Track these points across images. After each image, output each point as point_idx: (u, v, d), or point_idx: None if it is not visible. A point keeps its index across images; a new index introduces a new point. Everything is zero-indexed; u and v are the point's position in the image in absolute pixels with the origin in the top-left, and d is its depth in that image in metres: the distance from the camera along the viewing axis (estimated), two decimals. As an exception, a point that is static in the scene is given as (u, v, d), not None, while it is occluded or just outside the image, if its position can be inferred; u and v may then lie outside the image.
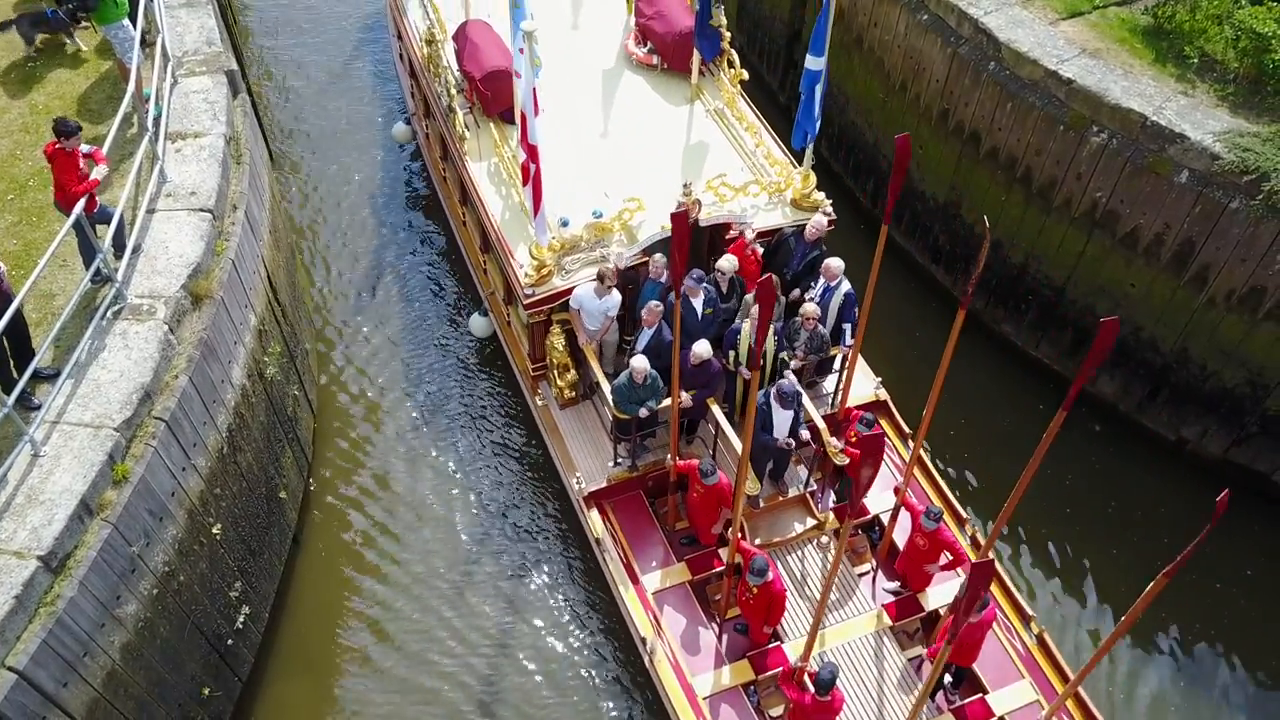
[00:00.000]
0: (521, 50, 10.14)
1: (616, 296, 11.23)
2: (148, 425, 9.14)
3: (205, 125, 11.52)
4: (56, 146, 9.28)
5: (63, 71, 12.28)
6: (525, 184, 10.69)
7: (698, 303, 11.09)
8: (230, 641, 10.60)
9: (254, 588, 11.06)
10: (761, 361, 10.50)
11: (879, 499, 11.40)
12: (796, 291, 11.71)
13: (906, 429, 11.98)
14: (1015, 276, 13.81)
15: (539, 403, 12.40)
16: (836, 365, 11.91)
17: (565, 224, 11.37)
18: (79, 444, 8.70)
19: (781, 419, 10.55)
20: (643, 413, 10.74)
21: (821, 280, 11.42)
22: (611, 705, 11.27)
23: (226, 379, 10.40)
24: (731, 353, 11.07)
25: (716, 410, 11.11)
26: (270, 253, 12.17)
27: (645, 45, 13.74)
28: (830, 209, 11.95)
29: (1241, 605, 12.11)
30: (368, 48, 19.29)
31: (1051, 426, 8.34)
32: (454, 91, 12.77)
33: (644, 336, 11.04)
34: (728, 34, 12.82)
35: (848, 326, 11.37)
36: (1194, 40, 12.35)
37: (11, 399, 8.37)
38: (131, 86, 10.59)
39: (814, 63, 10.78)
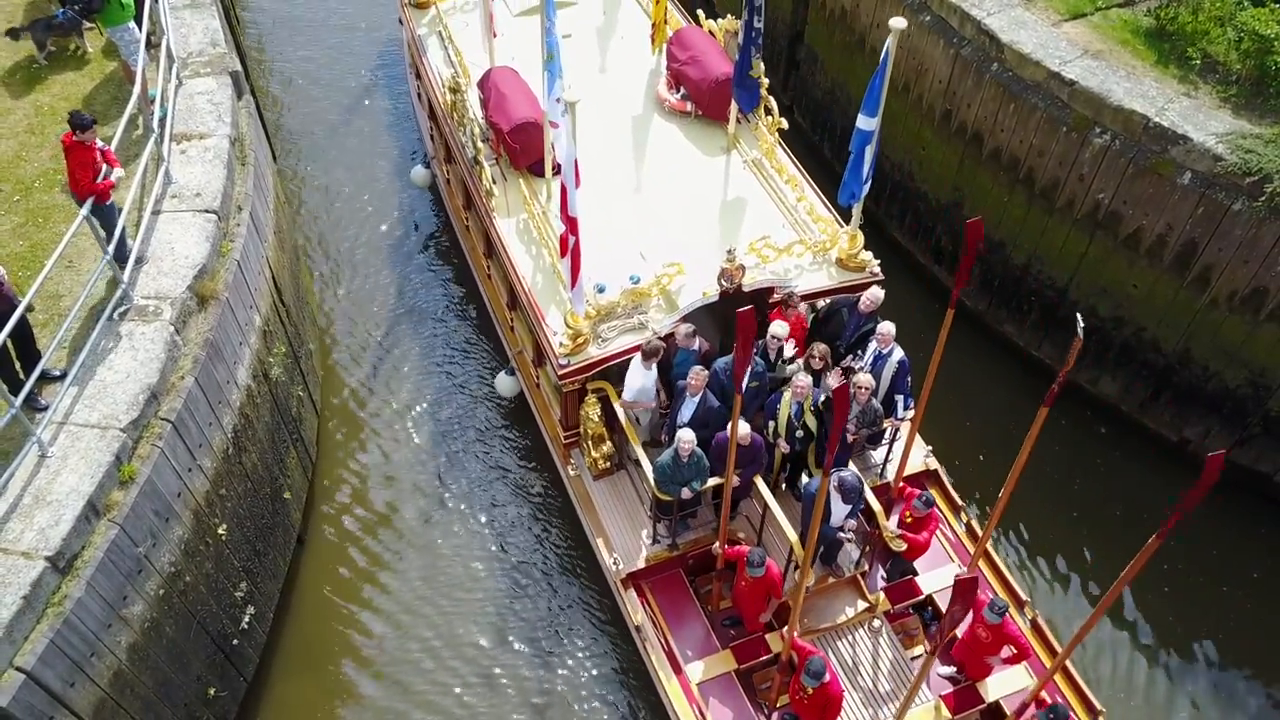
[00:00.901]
0: (554, 123, 9.96)
1: (653, 371, 10.67)
2: (154, 426, 9.18)
3: (210, 126, 11.56)
4: (74, 139, 9.27)
5: (68, 73, 12.32)
6: (564, 255, 10.07)
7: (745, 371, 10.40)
8: (235, 642, 10.63)
9: (259, 588, 11.10)
10: (801, 433, 10.32)
11: (932, 575, 10.81)
12: (848, 359, 11.00)
13: (959, 500, 11.38)
14: (1017, 277, 13.84)
15: (571, 473, 11.73)
16: (887, 436, 11.31)
17: (601, 290, 10.69)
18: (86, 445, 8.73)
19: (840, 511, 9.96)
20: (686, 494, 10.08)
21: (873, 345, 10.72)
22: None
23: (232, 380, 10.44)
24: (771, 423, 10.44)
25: (763, 487, 10.36)
26: (275, 253, 12.21)
27: (678, 91, 13.05)
28: (878, 268, 11.37)
29: (1248, 608, 12.13)
30: (382, 79, 18.66)
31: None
32: (480, 144, 12.16)
33: (688, 406, 10.31)
34: (765, 81, 12.03)
35: (900, 397, 10.72)
36: (1196, 42, 12.36)
37: (19, 400, 8.40)
38: (137, 88, 10.61)
39: (866, 123, 10.03)
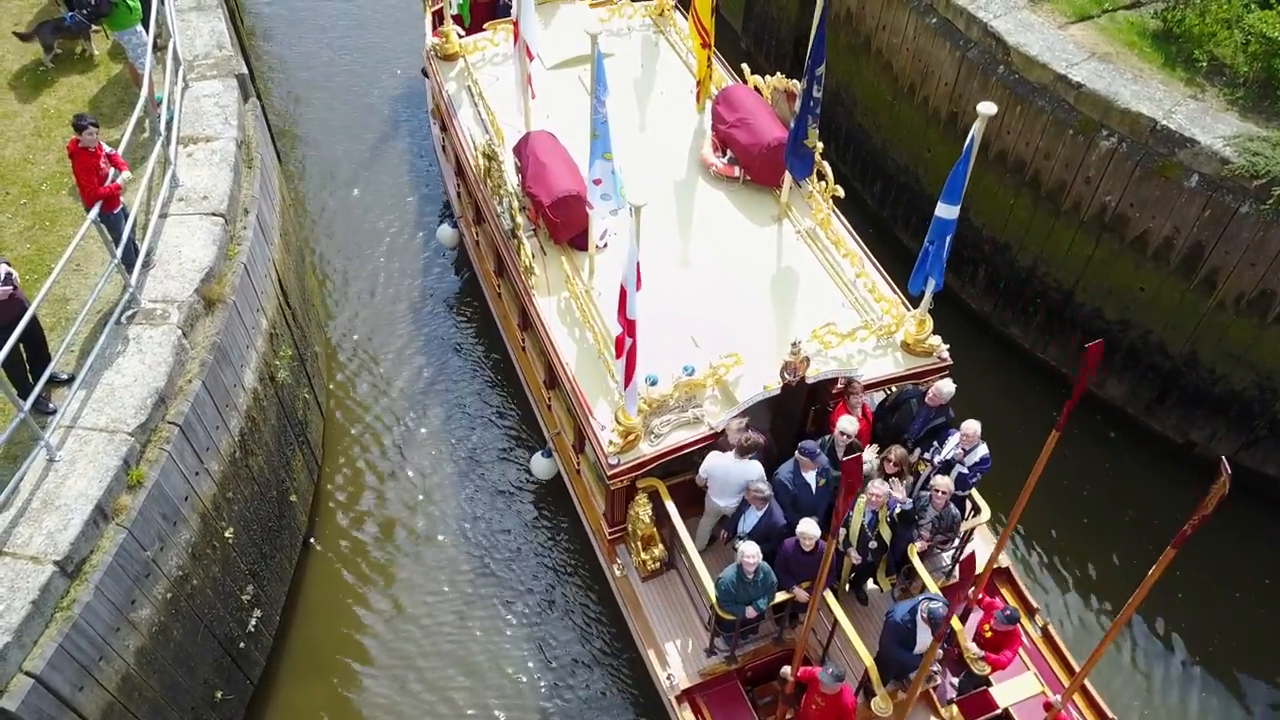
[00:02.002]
0: (591, 205, 9.71)
1: (758, 466, 9.83)
2: (161, 430, 9.19)
3: (217, 129, 11.56)
4: (78, 145, 9.27)
5: (74, 76, 12.31)
6: (619, 357, 9.29)
7: (811, 476, 9.68)
8: (242, 645, 10.63)
9: (265, 591, 11.10)
10: (874, 544, 9.66)
11: (1008, 685, 9.91)
12: (916, 453, 10.23)
13: (1034, 603, 10.54)
14: (1023, 279, 13.83)
15: (617, 572, 10.90)
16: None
17: (653, 382, 9.80)
18: (94, 449, 8.73)
19: (925, 639, 9.01)
20: (750, 613, 9.32)
21: (953, 442, 9.91)
22: None
23: (239, 383, 10.44)
24: (842, 530, 9.50)
25: (833, 601, 9.58)
26: (281, 256, 12.21)
27: (725, 155, 12.24)
28: (946, 354, 10.58)
29: (1260, 613, 12.10)
30: (404, 124, 17.99)
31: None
32: (519, 218, 11.35)
33: (750, 518, 9.62)
34: (820, 145, 11.25)
35: (976, 493, 10.12)
36: (1203, 44, 12.35)
37: (28, 404, 8.41)
38: (144, 91, 10.60)
39: (947, 211, 9.33)
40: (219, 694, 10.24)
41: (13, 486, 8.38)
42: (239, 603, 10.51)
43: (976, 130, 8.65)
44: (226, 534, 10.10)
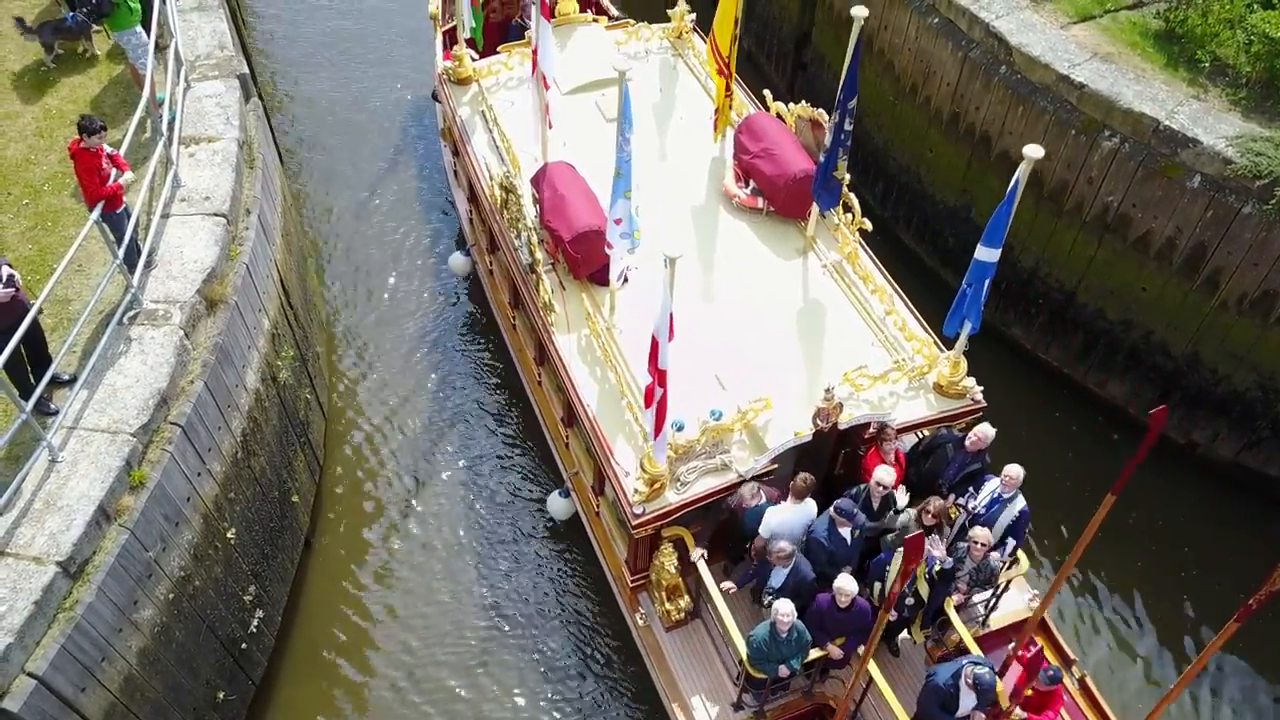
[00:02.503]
0: (611, 244, 9.56)
1: (813, 505, 9.68)
2: (164, 430, 9.18)
3: (218, 129, 11.55)
4: (80, 146, 9.26)
5: (76, 76, 12.30)
6: (648, 407, 8.89)
7: (846, 532, 9.35)
8: (244, 645, 10.63)
9: (267, 591, 11.09)
10: (911, 600, 9.35)
11: None
12: (950, 498, 9.87)
13: (1071, 654, 10.12)
14: (1025, 280, 13.82)
15: (639, 621, 10.55)
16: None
17: (680, 428, 9.49)
18: (96, 449, 8.72)
19: (968, 704, 8.83)
20: (784, 672, 9.08)
21: (990, 487, 9.62)
22: None
23: (240, 383, 10.43)
24: (877, 584, 9.33)
25: (872, 665, 9.00)
26: (283, 256, 12.20)
27: (747, 185, 11.92)
28: (980, 395, 10.27)
29: (1269, 614, 12.05)
30: (408, 127, 17.89)
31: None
32: (538, 254, 11.03)
33: (778, 575, 9.30)
34: (847, 176, 10.91)
35: (1011, 542, 9.65)
36: (1206, 44, 12.34)
37: (30, 404, 8.40)
38: (146, 91, 10.60)
39: (987, 254, 9.05)
40: (221, 694, 10.23)
41: (15, 487, 8.37)
42: (241, 603, 10.50)
43: (1022, 173, 8.39)
44: (228, 534, 10.09)
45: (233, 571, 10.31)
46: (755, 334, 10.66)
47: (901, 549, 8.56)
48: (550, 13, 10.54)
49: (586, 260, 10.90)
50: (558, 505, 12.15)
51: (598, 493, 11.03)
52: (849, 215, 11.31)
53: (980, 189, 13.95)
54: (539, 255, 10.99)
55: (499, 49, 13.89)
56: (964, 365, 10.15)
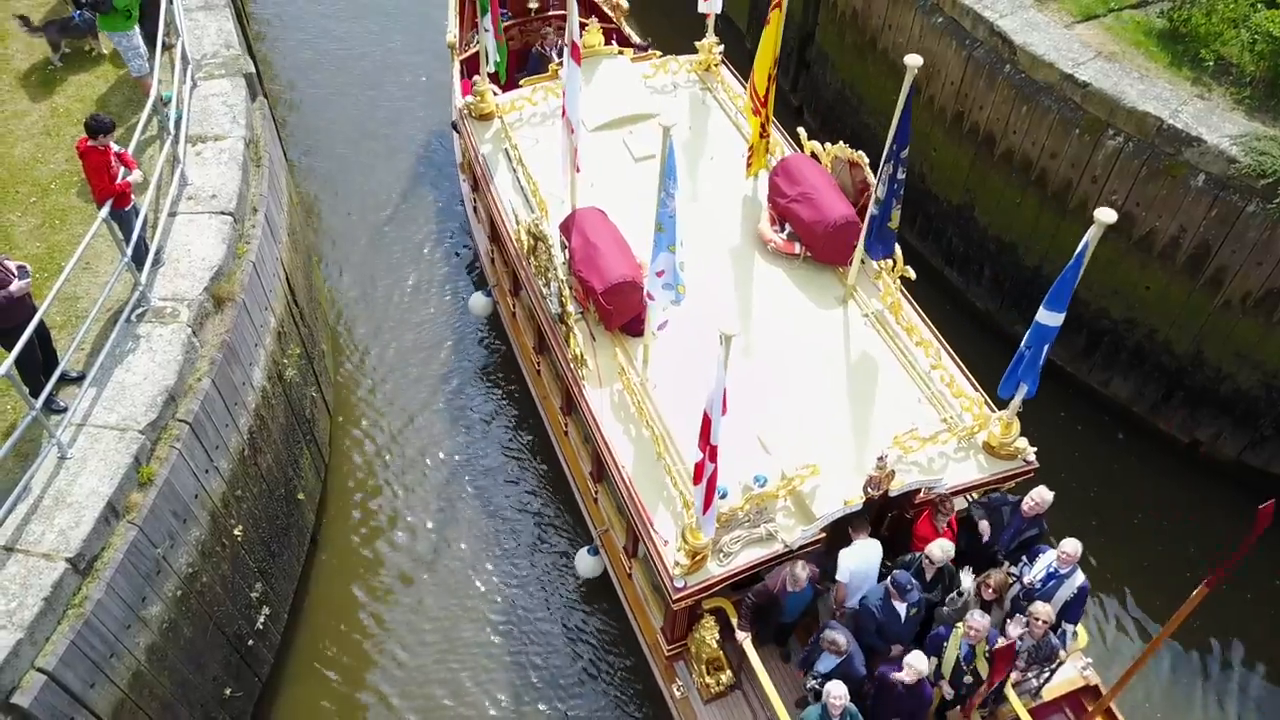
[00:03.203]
0: (651, 295, 9.19)
1: (877, 544, 9.45)
2: (172, 428, 9.22)
3: (225, 128, 11.58)
4: (89, 144, 9.28)
5: (82, 75, 12.34)
6: (696, 483, 8.39)
7: (902, 606, 8.96)
8: (251, 642, 10.66)
9: (273, 589, 11.13)
10: (969, 679, 8.83)
11: None
12: (1006, 566, 9.48)
13: None
14: (1029, 278, 13.84)
15: (676, 693, 9.97)
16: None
17: (723, 495, 8.90)
18: (105, 446, 8.76)
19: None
20: None
21: (1046, 560, 9.18)
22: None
23: (247, 381, 10.47)
24: (932, 658, 8.84)
25: None
26: (288, 254, 12.23)
27: (783, 230, 11.44)
28: (1032, 455, 9.78)
29: (1273, 614, 12.12)
30: (415, 130, 17.70)
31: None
32: (570, 306, 10.52)
33: (827, 662, 8.91)
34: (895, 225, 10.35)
35: (1070, 627, 9.22)
36: (1210, 43, 12.36)
37: (39, 401, 8.44)
38: (153, 94, 10.64)
39: (1050, 318, 8.66)
40: (228, 691, 10.27)
41: (25, 484, 8.41)
42: (248, 600, 10.53)
43: (1092, 236, 8.04)
44: (235, 532, 10.13)
45: (239, 569, 10.34)
46: (797, 390, 10.20)
47: (960, 625, 8.55)
48: (580, 56, 10.11)
49: (620, 311, 10.47)
50: (586, 563, 11.63)
51: (630, 554, 10.54)
52: (890, 262, 10.82)
53: (983, 188, 13.98)
54: (570, 307, 10.53)
55: (521, 82, 13.48)
56: (1016, 426, 9.70)
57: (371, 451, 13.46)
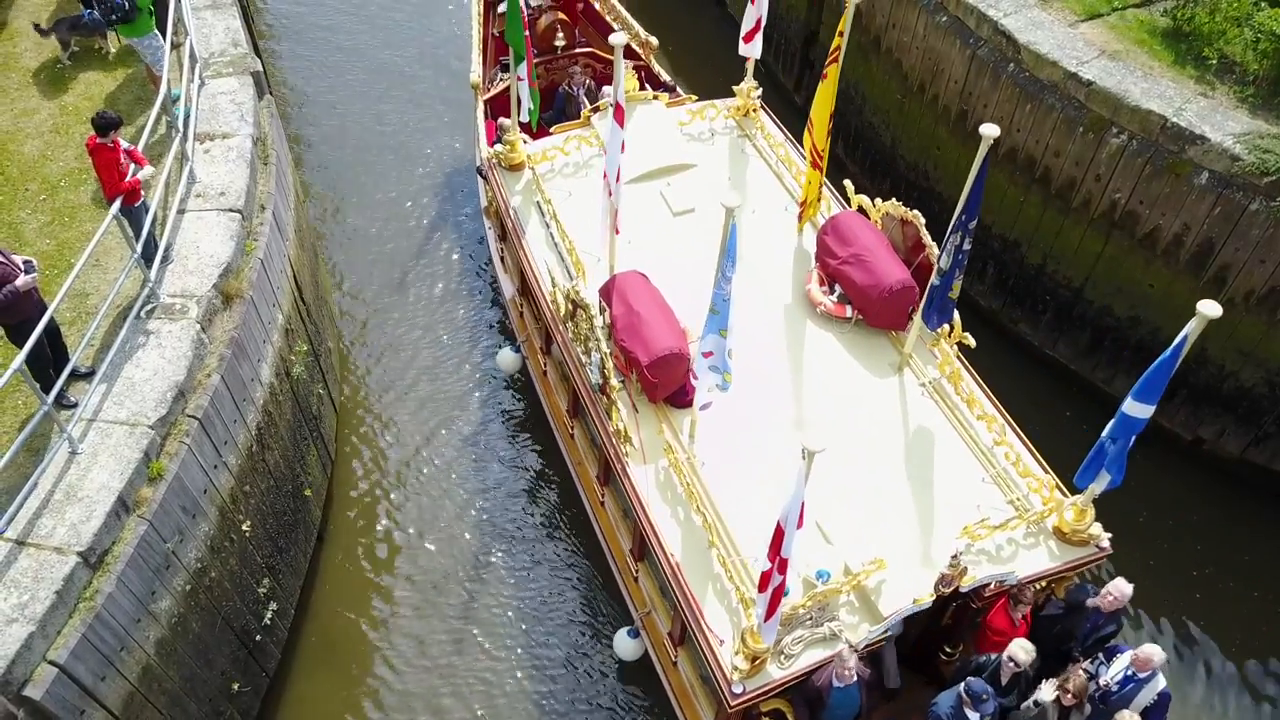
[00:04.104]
0: (696, 375, 8.85)
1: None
2: (181, 423, 9.28)
3: (233, 126, 11.65)
4: (98, 141, 9.34)
5: (92, 72, 12.42)
6: (762, 591, 7.95)
7: (975, 715, 8.43)
8: (258, 637, 10.73)
9: (281, 584, 11.19)
10: None
11: None
12: (1083, 663, 8.93)
13: None
14: (1033, 276, 13.89)
15: None
16: None
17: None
18: (115, 441, 8.83)
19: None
20: None
21: (1125, 659, 8.64)
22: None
23: (256, 377, 10.53)
24: None
25: None
26: (296, 252, 12.30)
27: (833, 291, 10.90)
28: (1106, 542, 9.32)
29: (1278, 610, 12.16)
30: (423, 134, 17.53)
31: None
32: (613, 378, 9.90)
33: None
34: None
35: None
36: (1213, 42, 12.40)
37: (50, 397, 8.50)
38: (163, 90, 10.72)
39: (1139, 410, 8.23)
40: (235, 686, 10.33)
41: (36, 478, 8.48)
42: (255, 595, 10.60)
43: (1193, 329, 7.60)
44: (244, 527, 10.20)
45: (247, 564, 10.41)
46: (855, 469, 9.64)
47: None
48: (623, 117, 9.58)
49: (665, 384, 9.92)
50: (626, 646, 10.84)
51: (677, 642, 9.87)
52: (947, 328, 10.31)
53: (989, 186, 13.83)
54: (614, 380, 9.93)
55: (552, 130, 12.95)
56: (1091, 512, 9.26)
57: (378, 449, 13.51)
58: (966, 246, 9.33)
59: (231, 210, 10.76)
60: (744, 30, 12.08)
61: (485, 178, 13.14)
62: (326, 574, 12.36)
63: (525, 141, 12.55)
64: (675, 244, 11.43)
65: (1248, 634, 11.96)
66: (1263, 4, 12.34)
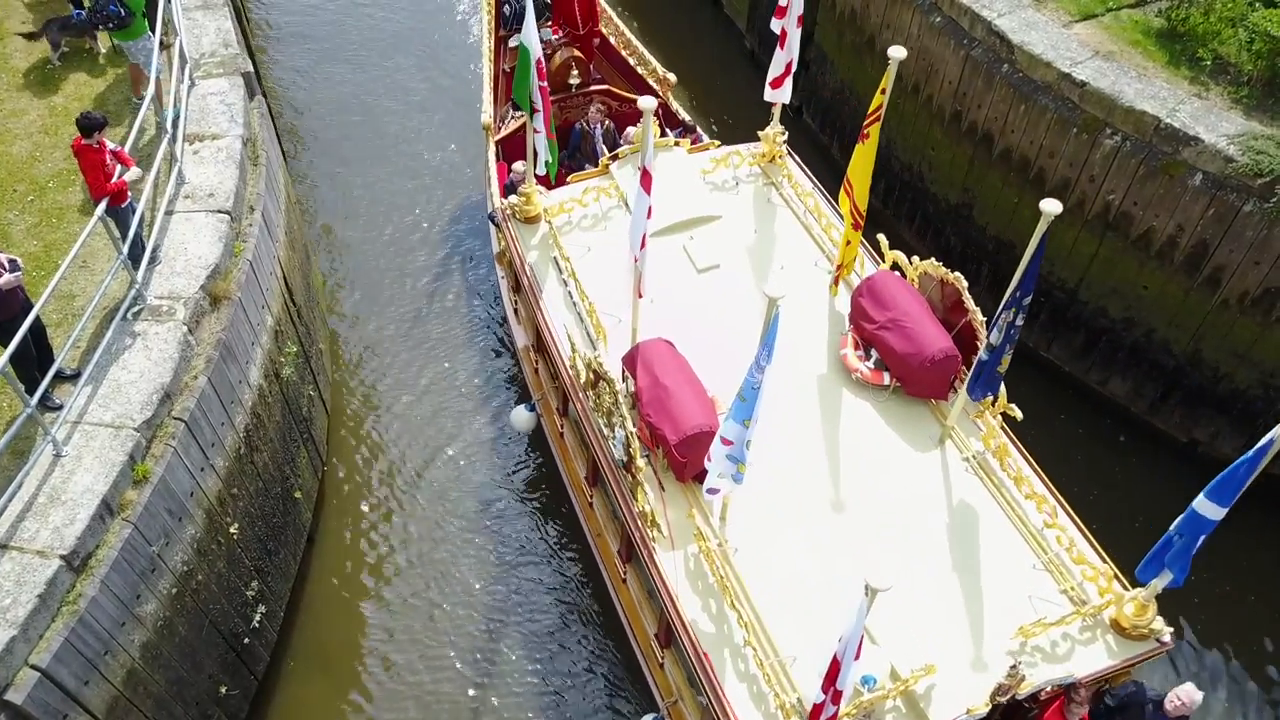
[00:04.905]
0: (720, 470, 8.18)
1: None
2: (167, 425, 9.23)
3: (223, 127, 11.60)
4: (83, 143, 9.29)
5: (81, 73, 12.36)
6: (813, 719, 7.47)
7: None
8: (247, 640, 10.68)
9: (270, 587, 11.14)
10: None
11: None
12: None
13: None
14: (1027, 278, 13.83)
15: None
16: None
17: None
18: (100, 444, 8.78)
19: None
20: None
21: None
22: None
23: (244, 379, 10.48)
24: None
25: None
26: (286, 253, 12.24)
27: (870, 357, 10.25)
28: (1168, 636, 8.70)
29: (1275, 616, 12.08)
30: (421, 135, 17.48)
31: None
32: (638, 458, 9.22)
33: None
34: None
35: None
36: (1208, 43, 12.35)
37: (34, 399, 8.45)
38: (151, 90, 10.67)
39: (1211, 510, 7.75)
40: (224, 689, 10.28)
41: (19, 481, 8.43)
42: (244, 599, 10.55)
43: (1276, 436, 7.26)
44: (231, 530, 10.14)
45: (235, 567, 10.35)
46: (896, 555, 9.01)
47: None
48: (650, 184, 8.90)
49: (694, 463, 9.22)
50: None
51: None
52: (991, 397, 9.70)
53: (981, 187, 13.97)
54: (641, 463, 9.24)
55: (569, 179, 12.30)
56: (1154, 606, 8.65)
57: (370, 451, 13.47)
58: (1019, 322, 8.81)
59: (220, 211, 10.71)
60: (771, 75, 11.39)
61: (498, 225, 12.51)
62: (317, 576, 12.32)
63: (541, 192, 11.91)
64: (699, 303, 10.84)
65: (1244, 639, 11.90)
66: (1257, 4, 12.29)
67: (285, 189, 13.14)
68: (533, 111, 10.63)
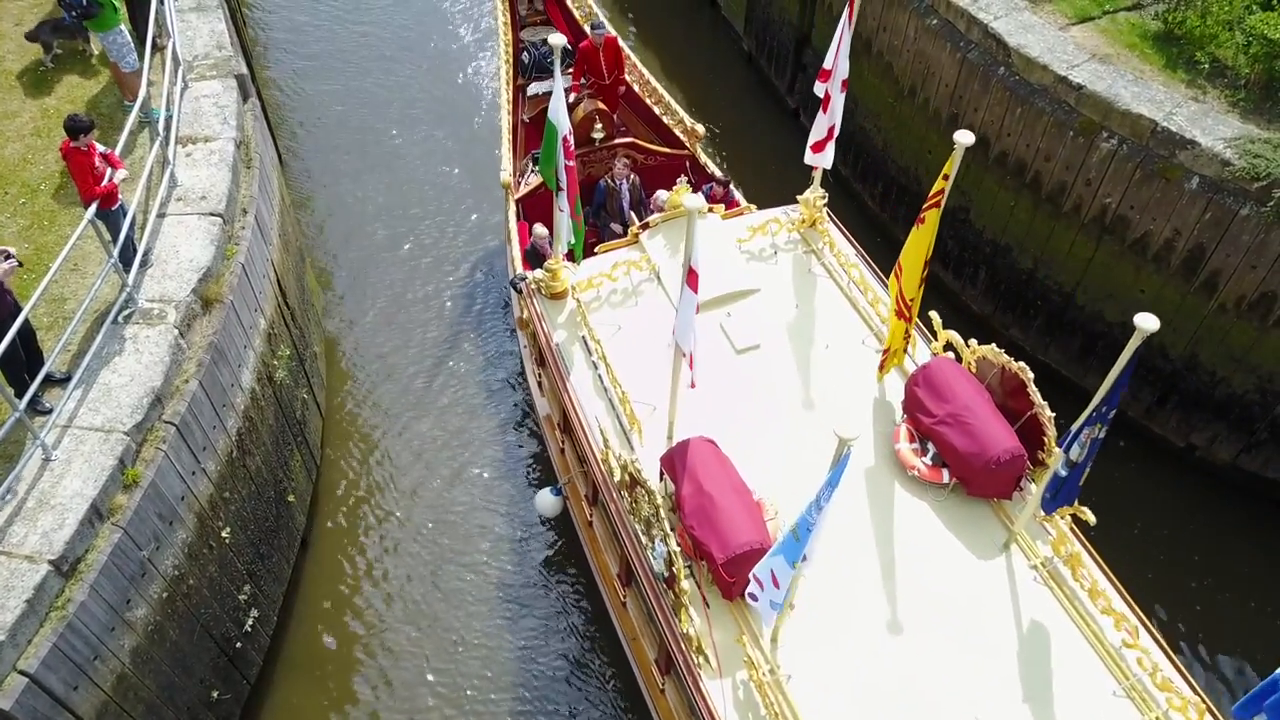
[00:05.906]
0: (765, 601, 7.59)
1: None
2: (158, 429, 9.18)
3: (216, 129, 11.56)
4: (71, 145, 9.25)
5: (73, 76, 12.32)
6: None
7: None
8: (239, 645, 10.62)
9: (262, 591, 11.09)
10: None
11: None
12: None
13: None
14: (1024, 281, 13.79)
15: None
16: None
17: None
18: (90, 448, 8.73)
19: None
20: None
21: None
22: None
23: (236, 383, 10.43)
24: None
25: None
26: (279, 256, 12.20)
27: (926, 452, 9.47)
28: None
29: (1272, 619, 12.01)
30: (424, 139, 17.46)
31: None
32: (682, 578, 8.38)
33: None
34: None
35: None
36: (1204, 46, 12.31)
37: (23, 403, 8.41)
38: (143, 92, 10.62)
39: None
40: (215, 694, 10.23)
41: (8, 485, 8.38)
42: (236, 603, 10.50)
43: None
44: (223, 534, 10.09)
45: (228, 571, 10.30)
46: (964, 678, 8.29)
47: None
48: (697, 283, 8.15)
49: (742, 582, 8.35)
50: None
51: None
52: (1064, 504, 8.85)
53: (978, 190, 13.93)
54: (683, 582, 8.41)
55: (597, 250, 11.57)
56: None
57: (364, 453, 13.42)
58: (1101, 436, 8.15)
59: (212, 214, 10.67)
60: (813, 139, 10.83)
61: (520, 293, 11.81)
62: (311, 580, 12.27)
63: (568, 267, 11.22)
64: (739, 388, 10.09)
65: (1244, 644, 11.84)
66: (1254, 7, 12.24)
67: (280, 192, 13.10)
68: (558, 190, 10.08)
